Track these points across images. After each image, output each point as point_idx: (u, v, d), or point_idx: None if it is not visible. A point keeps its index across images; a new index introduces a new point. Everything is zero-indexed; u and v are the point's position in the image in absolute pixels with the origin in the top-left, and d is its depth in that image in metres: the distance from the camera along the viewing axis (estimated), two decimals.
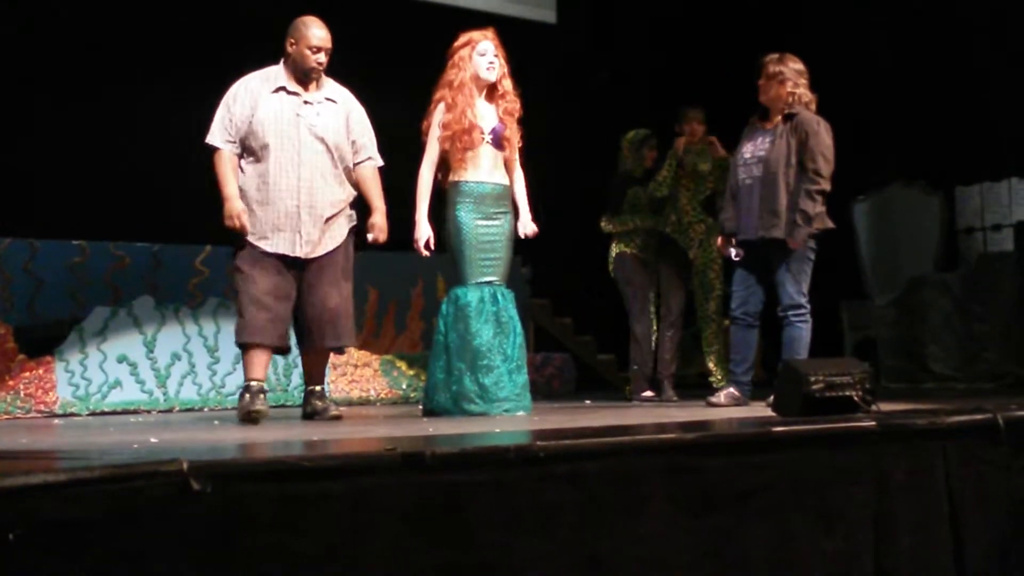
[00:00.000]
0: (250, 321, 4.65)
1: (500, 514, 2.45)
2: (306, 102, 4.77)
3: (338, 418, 4.78)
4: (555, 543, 2.51)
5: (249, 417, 4.54)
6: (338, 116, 4.84)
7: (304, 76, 4.77)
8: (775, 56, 5.25)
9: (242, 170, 4.75)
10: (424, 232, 5.04)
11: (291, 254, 4.69)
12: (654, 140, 6.70)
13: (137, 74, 6.94)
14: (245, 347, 4.75)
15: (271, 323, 4.68)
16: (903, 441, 3.23)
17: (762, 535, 2.87)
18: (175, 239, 6.76)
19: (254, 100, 4.73)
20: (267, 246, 4.68)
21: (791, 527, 2.93)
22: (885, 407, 3.72)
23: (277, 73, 4.81)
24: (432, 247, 5.08)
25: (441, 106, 5.08)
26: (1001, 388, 6.35)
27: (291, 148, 4.69)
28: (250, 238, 4.68)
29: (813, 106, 5.21)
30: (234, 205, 4.66)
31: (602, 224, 6.62)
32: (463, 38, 5.12)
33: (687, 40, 8.94)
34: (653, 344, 6.59)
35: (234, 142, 4.73)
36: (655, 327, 6.62)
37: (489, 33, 5.12)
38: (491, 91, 5.12)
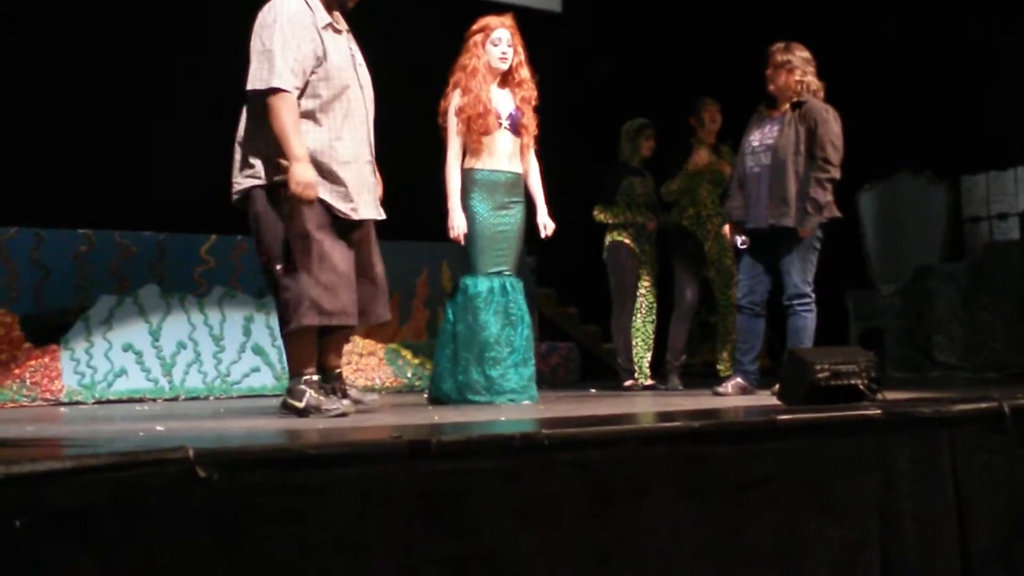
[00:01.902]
0: (340, 299, 3.91)
1: (506, 502, 2.45)
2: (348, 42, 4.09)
3: (381, 408, 4.24)
4: (560, 531, 2.52)
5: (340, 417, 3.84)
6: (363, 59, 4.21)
7: (340, 7, 4.06)
8: (781, 45, 5.23)
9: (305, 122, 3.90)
10: (460, 221, 4.90)
11: (378, 218, 4.12)
12: (651, 130, 6.69)
13: (142, 64, 6.93)
14: (317, 330, 4.00)
15: (354, 302, 3.99)
16: (909, 430, 3.22)
17: (767, 524, 2.87)
18: (180, 228, 6.78)
19: (315, 38, 3.89)
20: (351, 210, 3.97)
21: (796, 516, 2.93)
22: (891, 396, 3.71)
23: (313, 4, 3.98)
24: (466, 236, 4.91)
25: (457, 90, 4.99)
26: (1007, 377, 6.33)
27: (358, 96, 4.02)
28: (333, 201, 3.92)
29: (821, 94, 5.19)
30: (309, 171, 3.81)
31: (595, 213, 6.61)
32: (479, 23, 5.03)
33: (693, 29, 8.92)
34: (650, 334, 6.59)
35: (300, 88, 3.88)
36: (651, 317, 6.62)
37: (507, 20, 5.01)
38: (507, 77, 5.03)
